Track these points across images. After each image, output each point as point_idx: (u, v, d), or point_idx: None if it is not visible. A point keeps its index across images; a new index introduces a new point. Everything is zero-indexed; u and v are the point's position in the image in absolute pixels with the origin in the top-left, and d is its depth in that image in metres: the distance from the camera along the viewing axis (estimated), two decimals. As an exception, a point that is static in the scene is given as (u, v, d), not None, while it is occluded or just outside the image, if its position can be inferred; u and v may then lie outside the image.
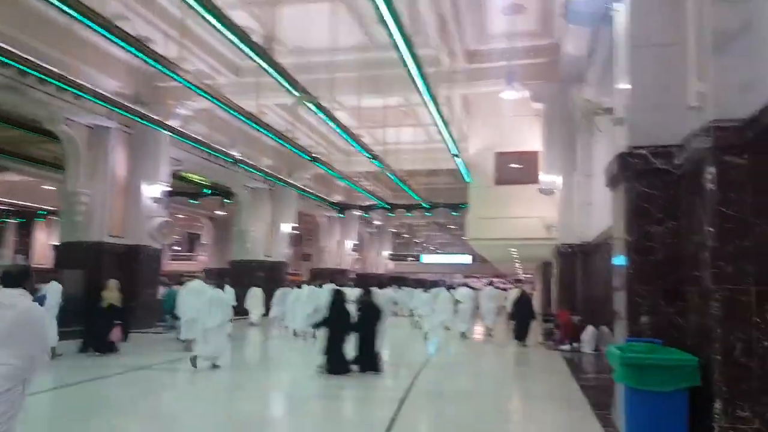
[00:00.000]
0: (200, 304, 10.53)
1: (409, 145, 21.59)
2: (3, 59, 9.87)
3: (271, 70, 10.23)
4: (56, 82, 10.98)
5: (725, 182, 4.56)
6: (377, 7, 8.13)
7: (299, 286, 17.31)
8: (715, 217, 4.56)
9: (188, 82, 11.37)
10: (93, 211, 15.53)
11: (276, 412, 7.90)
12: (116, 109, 13.04)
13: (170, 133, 15.11)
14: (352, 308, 10.22)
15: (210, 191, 26.68)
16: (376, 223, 38.53)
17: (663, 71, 5.61)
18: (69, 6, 8.37)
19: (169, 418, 7.02)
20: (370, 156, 16.34)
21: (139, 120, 13.65)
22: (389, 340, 11.99)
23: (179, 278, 17.56)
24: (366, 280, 25.60)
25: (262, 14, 11.40)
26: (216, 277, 14.43)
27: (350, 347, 9.77)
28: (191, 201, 27.53)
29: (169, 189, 17.58)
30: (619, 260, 5.95)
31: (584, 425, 6.34)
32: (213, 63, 14.81)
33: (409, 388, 8.60)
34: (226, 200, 27.43)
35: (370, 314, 10.02)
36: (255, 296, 19.96)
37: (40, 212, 31.56)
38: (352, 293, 13.23)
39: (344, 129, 13.86)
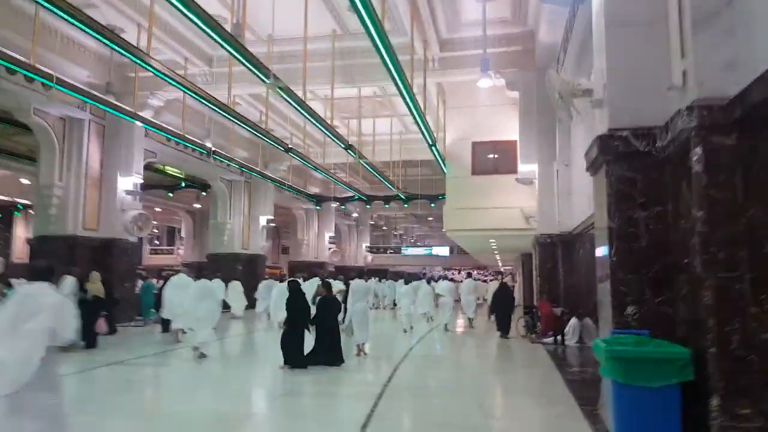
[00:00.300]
0: (187, 297, 10.89)
1: (386, 135, 21.36)
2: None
3: (240, 57, 9.95)
4: (25, 71, 10.67)
5: (713, 164, 4.34)
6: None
7: (281, 280, 17.25)
8: (703, 200, 4.33)
9: (159, 71, 11.11)
10: (66, 204, 15.34)
11: (246, 409, 7.46)
12: (86, 99, 12.87)
13: (142, 124, 14.85)
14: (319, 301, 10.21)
15: (186, 184, 26.32)
16: (354, 215, 38.33)
17: (643, 50, 5.39)
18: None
19: (154, 414, 6.86)
20: (344, 146, 16.03)
21: (111, 111, 13.43)
22: (371, 332, 11.79)
23: (159, 272, 17.24)
24: (344, 273, 25.37)
25: (233, 2, 11.13)
26: (196, 270, 14.16)
27: (309, 341, 9.71)
28: (168, 194, 27.22)
29: (143, 182, 17.30)
30: (602, 248, 5.72)
31: (570, 422, 6.08)
32: (185, 53, 14.51)
33: (386, 382, 8.37)
34: (203, 193, 27.19)
35: (330, 308, 10.08)
36: (235, 290, 19.88)
37: (19, 206, 30.73)
38: (336, 286, 13.19)
39: (318, 118, 13.54)
